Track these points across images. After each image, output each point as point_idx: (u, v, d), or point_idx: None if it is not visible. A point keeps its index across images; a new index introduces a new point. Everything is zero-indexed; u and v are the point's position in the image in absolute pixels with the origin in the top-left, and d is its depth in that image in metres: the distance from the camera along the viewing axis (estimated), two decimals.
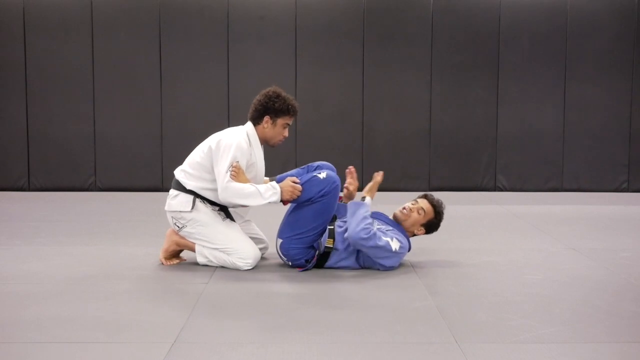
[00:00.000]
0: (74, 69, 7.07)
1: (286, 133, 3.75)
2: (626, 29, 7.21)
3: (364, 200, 3.65)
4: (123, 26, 7.07)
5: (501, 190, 7.33)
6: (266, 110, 3.66)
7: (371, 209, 3.70)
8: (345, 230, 3.57)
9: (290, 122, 3.73)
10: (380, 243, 3.48)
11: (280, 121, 3.69)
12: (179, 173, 3.72)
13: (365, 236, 3.45)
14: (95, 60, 7.07)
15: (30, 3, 7.01)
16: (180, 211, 3.63)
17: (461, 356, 2.39)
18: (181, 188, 3.66)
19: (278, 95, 3.67)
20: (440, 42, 7.20)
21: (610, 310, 2.94)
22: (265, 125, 3.69)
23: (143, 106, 7.14)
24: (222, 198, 3.52)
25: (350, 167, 3.84)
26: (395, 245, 3.53)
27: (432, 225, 3.79)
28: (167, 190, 3.78)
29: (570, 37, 7.22)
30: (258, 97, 3.71)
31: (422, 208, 3.74)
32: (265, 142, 3.76)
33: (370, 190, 3.76)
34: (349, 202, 3.66)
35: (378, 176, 3.84)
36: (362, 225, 3.46)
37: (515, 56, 7.24)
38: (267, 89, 3.73)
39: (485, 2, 7.19)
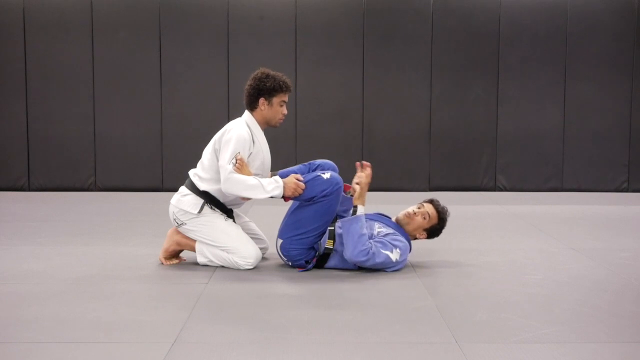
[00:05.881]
0: (74, 69, 7.07)
1: (285, 110, 3.72)
2: (626, 29, 7.22)
3: (355, 209, 3.54)
4: (123, 26, 7.07)
5: (501, 190, 7.33)
6: (259, 92, 3.65)
7: (371, 210, 3.70)
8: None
9: (285, 98, 3.70)
10: (379, 260, 3.46)
11: (275, 100, 3.67)
12: (192, 175, 3.71)
13: (364, 258, 3.44)
14: (95, 60, 7.07)
15: (30, 3, 7.01)
16: (186, 211, 3.62)
17: (461, 356, 2.39)
18: (194, 189, 3.65)
19: (267, 75, 3.66)
20: (440, 42, 7.20)
21: (610, 310, 2.94)
22: (262, 108, 3.67)
23: (143, 106, 7.14)
24: (225, 189, 3.50)
25: (365, 162, 3.72)
26: (395, 256, 3.51)
27: (434, 230, 3.77)
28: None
29: (570, 37, 7.22)
30: (248, 82, 3.69)
31: (428, 213, 3.72)
32: (266, 125, 3.73)
33: (359, 197, 3.57)
34: (342, 220, 3.52)
35: (364, 177, 3.61)
36: (359, 248, 3.42)
37: (515, 56, 7.24)
38: (255, 72, 3.71)
39: (485, 2, 7.19)
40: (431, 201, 3.80)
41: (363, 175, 3.66)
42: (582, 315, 2.87)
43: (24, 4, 7.00)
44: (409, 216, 3.71)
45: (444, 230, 3.83)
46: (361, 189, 3.59)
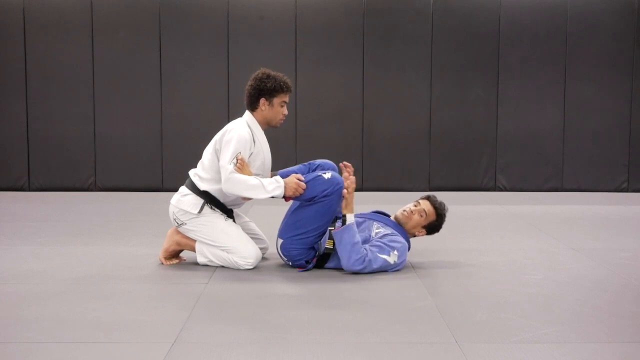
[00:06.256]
0: (74, 69, 7.07)
1: (285, 111, 3.72)
2: (626, 29, 7.22)
3: (344, 218, 3.49)
4: (123, 26, 7.07)
5: (501, 190, 7.33)
6: (260, 92, 3.65)
7: (370, 209, 3.69)
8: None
9: (286, 99, 3.70)
10: (376, 265, 3.45)
11: (276, 100, 3.67)
12: (193, 175, 3.71)
13: (360, 267, 3.43)
14: (95, 60, 7.07)
15: (30, 3, 7.01)
16: (186, 211, 3.62)
17: (461, 356, 2.39)
18: (194, 189, 3.65)
19: (268, 76, 3.66)
20: (440, 42, 7.20)
21: (610, 310, 2.94)
22: (263, 108, 3.67)
23: (143, 106, 7.14)
24: (226, 189, 3.50)
25: (345, 162, 3.70)
26: (393, 258, 3.50)
27: (433, 227, 3.76)
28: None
29: (570, 37, 7.22)
30: (249, 82, 3.69)
31: (424, 210, 3.71)
32: (267, 125, 3.73)
33: (347, 205, 3.53)
34: (333, 232, 3.49)
35: (349, 185, 3.56)
36: (354, 257, 3.41)
37: (515, 56, 7.24)
38: (256, 72, 3.70)
39: (485, 2, 7.19)
40: (427, 198, 3.79)
41: (350, 179, 3.60)
42: (582, 315, 2.87)
43: (24, 4, 7.00)
44: (406, 215, 3.70)
45: (444, 227, 3.82)
46: (345, 199, 3.54)
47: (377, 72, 7.21)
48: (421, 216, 3.70)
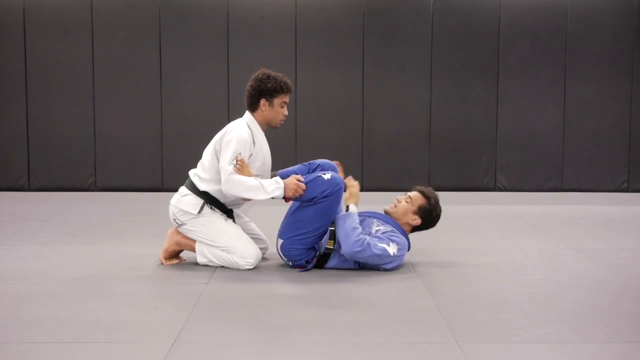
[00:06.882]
0: (74, 69, 7.07)
1: (285, 111, 3.72)
2: (626, 29, 7.22)
3: (347, 209, 3.58)
4: (123, 26, 7.07)
5: (501, 190, 7.33)
6: (260, 93, 3.65)
7: (370, 209, 3.69)
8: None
9: (286, 99, 3.70)
10: (377, 251, 3.45)
11: (277, 101, 3.67)
12: (192, 175, 3.71)
13: (359, 249, 3.43)
14: (95, 60, 7.07)
15: (30, 3, 7.01)
16: (186, 211, 3.62)
17: (461, 356, 2.39)
18: (194, 189, 3.65)
19: (268, 76, 3.66)
20: (440, 42, 7.20)
21: (610, 310, 2.94)
22: (264, 109, 3.67)
23: (143, 106, 7.14)
24: (225, 190, 3.50)
25: (336, 161, 3.82)
26: (392, 249, 3.50)
27: (425, 211, 3.72)
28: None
29: (570, 37, 7.22)
30: (249, 82, 3.69)
31: (409, 196, 3.74)
32: (267, 126, 3.73)
33: (351, 197, 3.63)
34: (335, 218, 3.56)
35: (353, 184, 3.69)
36: (353, 238, 3.43)
37: (515, 56, 7.24)
38: (256, 73, 3.70)
39: (485, 2, 7.19)
40: (414, 188, 3.82)
41: (354, 184, 3.70)
42: (582, 315, 2.87)
43: (24, 4, 7.00)
44: (394, 205, 3.72)
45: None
46: (350, 190, 3.63)
47: (377, 72, 7.21)
48: (407, 202, 3.71)
